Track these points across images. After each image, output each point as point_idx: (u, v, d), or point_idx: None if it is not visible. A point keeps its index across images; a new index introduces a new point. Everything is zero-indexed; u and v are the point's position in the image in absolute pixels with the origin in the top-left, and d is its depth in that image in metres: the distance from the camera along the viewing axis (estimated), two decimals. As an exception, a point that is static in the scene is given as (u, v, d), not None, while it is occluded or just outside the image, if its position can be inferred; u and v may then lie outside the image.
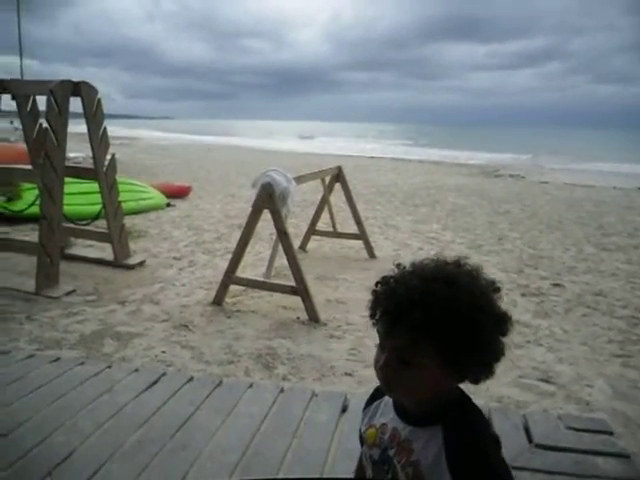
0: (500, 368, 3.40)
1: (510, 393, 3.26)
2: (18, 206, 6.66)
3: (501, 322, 0.88)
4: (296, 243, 5.69)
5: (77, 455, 2.13)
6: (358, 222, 6.29)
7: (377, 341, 0.95)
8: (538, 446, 2.35)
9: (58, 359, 3.07)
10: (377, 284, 0.92)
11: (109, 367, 2.98)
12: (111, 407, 2.48)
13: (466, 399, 0.92)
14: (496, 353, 0.89)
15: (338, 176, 6.20)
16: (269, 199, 4.23)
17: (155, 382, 2.75)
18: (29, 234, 6.16)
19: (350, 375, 3.41)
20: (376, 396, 1.04)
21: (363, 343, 3.85)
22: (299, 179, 4.81)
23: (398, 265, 0.92)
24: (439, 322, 0.82)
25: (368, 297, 0.94)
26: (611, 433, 2.48)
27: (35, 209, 5.80)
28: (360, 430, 1.04)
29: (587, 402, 3.20)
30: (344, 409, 2.57)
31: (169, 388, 2.68)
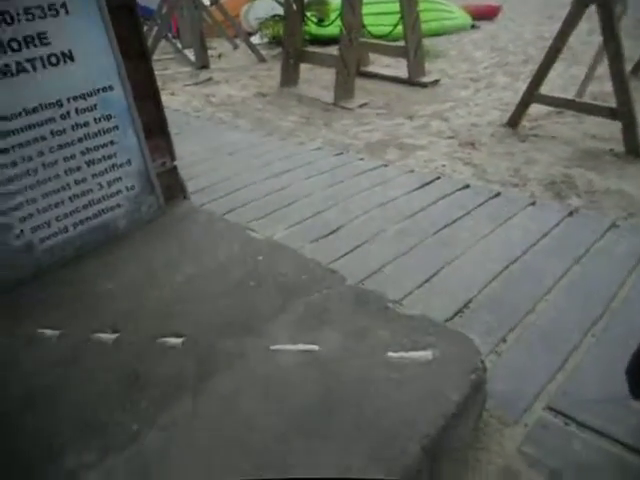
0: None
1: None
2: (325, 26, 6.91)
3: None
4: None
5: (343, 230, 2.20)
6: None
7: None
8: None
9: (342, 153, 3.19)
10: None
11: (386, 166, 2.95)
12: (381, 197, 2.46)
13: None
14: None
15: None
16: (599, -12, 3.23)
17: (429, 183, 2.60)
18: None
19: (672, 220, 2.63)
20: None
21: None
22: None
23: None
24: None
25: None
26: None
27: (336, 29, 5.93)
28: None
29: None
30: (655, 247, 1.97)
31: (442, 190, 2.50)
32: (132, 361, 1.21)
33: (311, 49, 5.89)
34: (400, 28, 5.41)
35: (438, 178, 2.72)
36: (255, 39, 7.80)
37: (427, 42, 5.80)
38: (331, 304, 1.29)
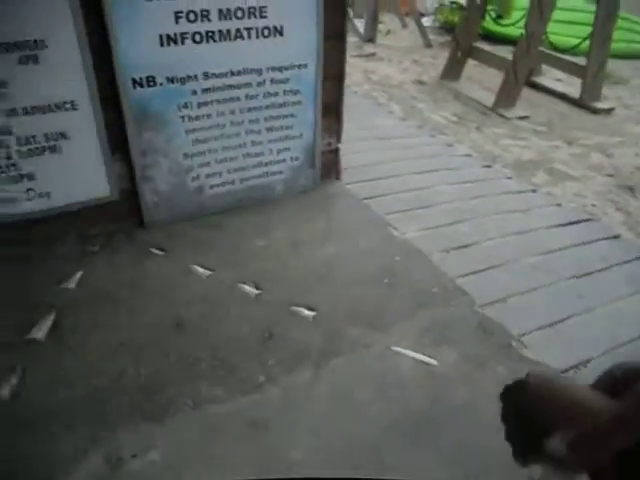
0: None
1: None
2: (504, 25, 6.61)
3: None
4: None
5: (475, 247, 2.19)
6: None
7: None
8: None
9: (490, 166, 3.13)
10: None
11: (533, 192, 2.86)
12: (522, 224, 2.40)
13: None
14: None
15: None
16: None
17: (575, 222, 2.49)
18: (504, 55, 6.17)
19: None
20: None
21: None
22: None
23: None
24: None
25: None
26: None
27: (515, 30, 5.64)
28: None
29: None
30: None
31: (587, 234, 2.39)
32: (268, 319, 1.36)
33: (482, 45, 5.70)
34: (587, 43, 5.04)
35: (587, 220, 2.59)
36: (426, 21, 7.67)
37: (609, 64, 5.36)
38: (456, 324, 1.34)
